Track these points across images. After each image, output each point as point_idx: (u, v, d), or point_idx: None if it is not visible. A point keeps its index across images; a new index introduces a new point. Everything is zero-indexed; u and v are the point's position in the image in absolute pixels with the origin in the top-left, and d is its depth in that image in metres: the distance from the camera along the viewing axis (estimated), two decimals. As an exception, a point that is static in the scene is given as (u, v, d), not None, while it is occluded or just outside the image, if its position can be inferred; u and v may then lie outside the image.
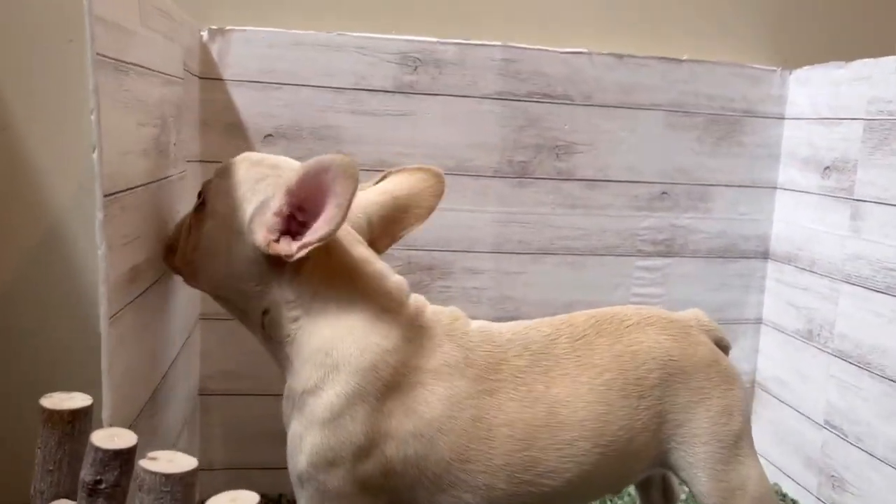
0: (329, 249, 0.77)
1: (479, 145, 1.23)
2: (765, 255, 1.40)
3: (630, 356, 0.83)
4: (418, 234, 1.23)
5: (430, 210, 0.88)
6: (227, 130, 1.15)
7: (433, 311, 0.82)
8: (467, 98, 1.21)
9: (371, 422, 0.74)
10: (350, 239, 0.81)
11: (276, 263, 0.77)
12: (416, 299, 0.82)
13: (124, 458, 0.64)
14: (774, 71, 1.34)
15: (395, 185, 0.88)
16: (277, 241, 0.75)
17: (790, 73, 1.34)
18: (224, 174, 0.81)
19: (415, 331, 0.79)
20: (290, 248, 0.74)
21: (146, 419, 0.80)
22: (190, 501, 0.61)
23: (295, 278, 0.77)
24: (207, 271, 0.82)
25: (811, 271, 1.28)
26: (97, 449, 0.63)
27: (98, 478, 0.64)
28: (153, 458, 0.62)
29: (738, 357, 1.41)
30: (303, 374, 0.77)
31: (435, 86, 1.20)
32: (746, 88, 1.33)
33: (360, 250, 0.81)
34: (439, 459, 0.76)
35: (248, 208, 0.78)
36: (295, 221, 0.76)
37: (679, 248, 1.35)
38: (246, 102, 1.15)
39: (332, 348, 0.76)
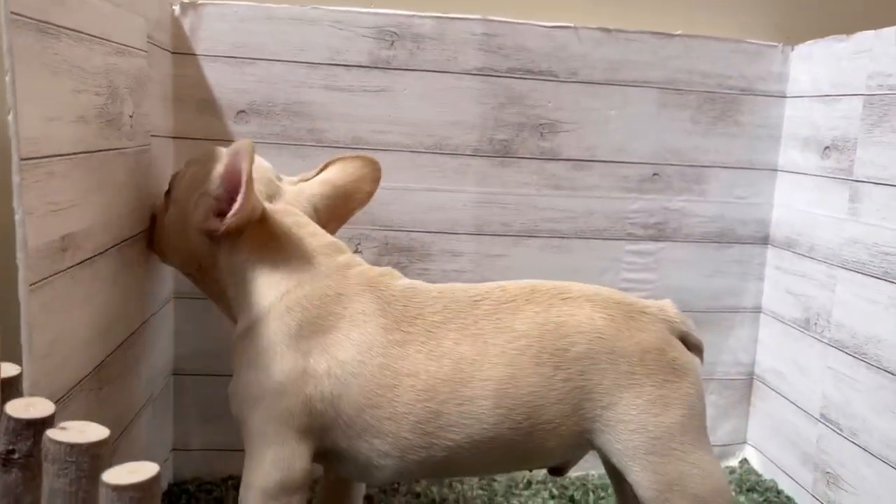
0: (262, 222, 0.86)
1: (459, 123, 1.19)
2: (764, 241, 1.33)
3: (554, 326, 0.82)
4: (396, 214, 1.20)
5: (371, 194, 0.98)
6: (199, 106, 1.13)
7: (363, 268, 0.88)
8: (446, 74, 1.18)
9: (289, 360, 0.81)
10: (284, 211, 0.89)
11: (216, 240, 0.87)
12: (349, 258, 0.88)
13: (38, 429, 0.62)
14: (776, 47, 1.27)
15: (335, 175, 0.97)
16: (210, 217, 0.86)
17: (792, 49, 1.27)
18: (188, 166, 0.93)
19: (336, 281, 0.85)
20: (218, 224, 0.84)
21: (87, 393, 0.79)
22: (97, 473, 0.59)
23: (233, 250, 0.87)
24: (172, 250, 0.94)
25: (810, 257, 1.22)
26: (9, 418, 0.61)
27: (11, 447, 0.62)
28: (63, 429, 0.60)
29: (735, 348, 1.35)
30: (238, 326, 0.87)
31: (412, 61, 1.17)
32: (745, 65, 1.26)
33: (293, 220, 0.88)
34: (352, 402, 0.80)
35: (195, 196, 0.89)
36: (229, 203, 0.84)
37: (672, 233, 1.30)
38: (219, 78, 1.13)
39: (258, 299, 0.84)
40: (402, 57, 1.16)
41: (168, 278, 1.14)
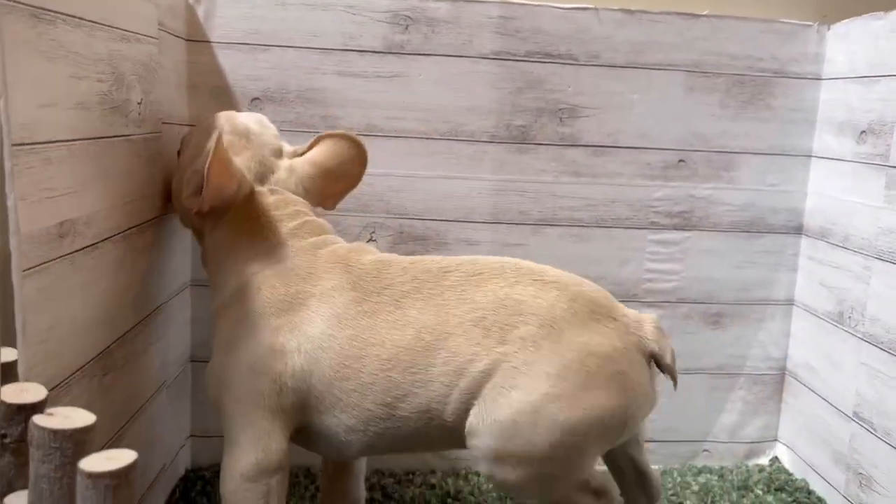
0: (246, 203, 0.89)
1: (475, 109, 1.16)
2: (797, 230, 1.27)
3: (512, 303, 0.81)
4: (410, 202, 1.19)
5: (359, 178, 0.98)
6: (214, 94, 1.13)
7: (335, 246, 0.88)
8: (462, 58, 1.15)
9: (258, 339, 0.82)
10: (270, 192, 0.90)
11: (201, 216, 0.89)
12: (322, 239, 0.89)
13: (28, 414, 0.62)
14: (810, 26, 1.21)
15: (322, 155, 0.96)
16: (191, 196, 0.87)
17: (828, 29, 1.21)
18: (196, 129, 0.95)
19: (304, 260, 0.86)
20: (194, 203, 0.86)
21: (90, 379, 0.79)
22: (82, 458, 0.59)
23: (215, 227, 0.90)
24: (179, 212, 0.97)
25: (844, 248, 1.16)
26: (2, 403, 0.62)
27: (3, 432, 0.62)
28: (50, 415, 0.60)
29: (765, 342, 1.30)
30: (212, 305, 0.90)
31: (427, 45, 1.14)
32: (777, 46, 1.21)
33: (275, 200, 0.90)
34: (322, 377, 0.81)
35: (190, 170, 0.89)
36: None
37: (698, 221, 1.25)
38: (233, 65, 1.13)
39: (230, 279, 0.87)
40: (416, 41, 1.14)
41: (184, 265, 1.14)
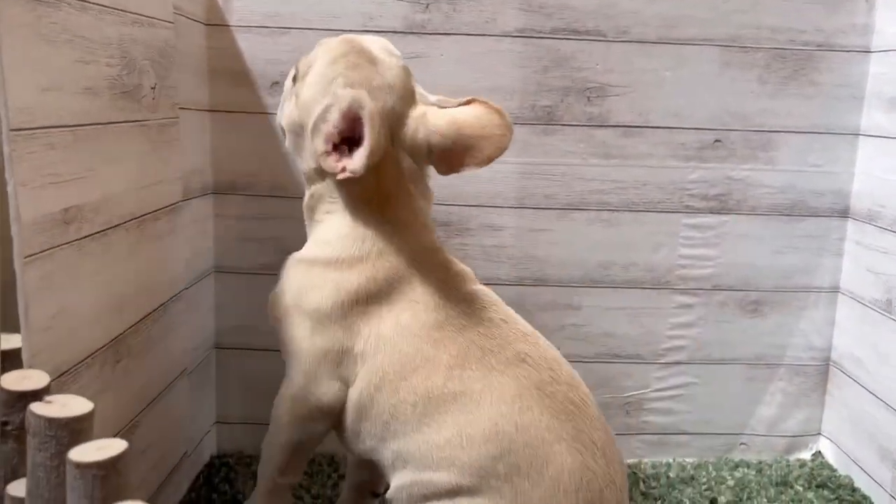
0: (376, 172, 0.80)
1: (498, 89, 1.12)
2: (843, 213, 1.20)
3: (533, 450, 0.75)
4: (432, 186, 1.15)
5: (489, 160, 0.82)
6: (234, 78, 1.12)
7: (445, 259, 0.85)
8: (485, 37, 1.11)
9: (341, 309, 0.81)
10: (399, 171, 0.84)
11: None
12: (433, 241, 0.86)
13: (30, 401, 0.61)
14: (858, -5, 1.13)
15: (467, 120, 0.81)
16: (329, 153, 0.80)
17: (878, -3, 1.13)
18: (313, 58, 0.85)
19: (417, 265, 0.82)
20: (335, 167, 0.79)
21: (101, 366, 0.79)
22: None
23: (342, 183, 0.83)
24: (289, 137, 0.89)
25: (893, 231, 1.09)
26: (3, 390, 0.62)
27: (5, 419, 0.62)
28: (48, 402, 0.60)
29: (808, 331, 1.23)
30: (306, 249, 0.87)
31: (448, 24, 1.11)
32: (822, 18, 1.13)
33: (403, 185, 0.85)
34: (369, 374, 0.80)
35: (316, 109, 0.81)
36: (347, 138, 0.79)
37: (735, 205, 1.19)
38: (252, 49, 1.11)
39: (340, 246, 0.83)
40: (437, 20, 1.10)
41: (207, 252, 1.14)
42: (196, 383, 1.11)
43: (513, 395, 0.75)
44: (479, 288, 0.85)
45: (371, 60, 0.82)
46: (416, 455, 0.77)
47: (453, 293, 0.82)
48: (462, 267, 0.86)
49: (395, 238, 0.83)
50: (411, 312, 0.80)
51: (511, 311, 0.85)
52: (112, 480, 0.52)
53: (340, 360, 0.82)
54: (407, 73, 0.84)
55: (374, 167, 0.78)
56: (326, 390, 0.83)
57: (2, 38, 0.61)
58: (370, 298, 0.81)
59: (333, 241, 0.84)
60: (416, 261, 0.83)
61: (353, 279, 0.81)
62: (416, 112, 0.82)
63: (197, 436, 1.13)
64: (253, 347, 1.19)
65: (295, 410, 0.84)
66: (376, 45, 0.84)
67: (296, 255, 0.88)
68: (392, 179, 0.84)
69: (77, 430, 0.58)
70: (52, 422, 0.57)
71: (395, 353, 0.79)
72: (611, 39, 1.12)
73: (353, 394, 0.82)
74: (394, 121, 0.81)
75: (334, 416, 0.84)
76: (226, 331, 1.19)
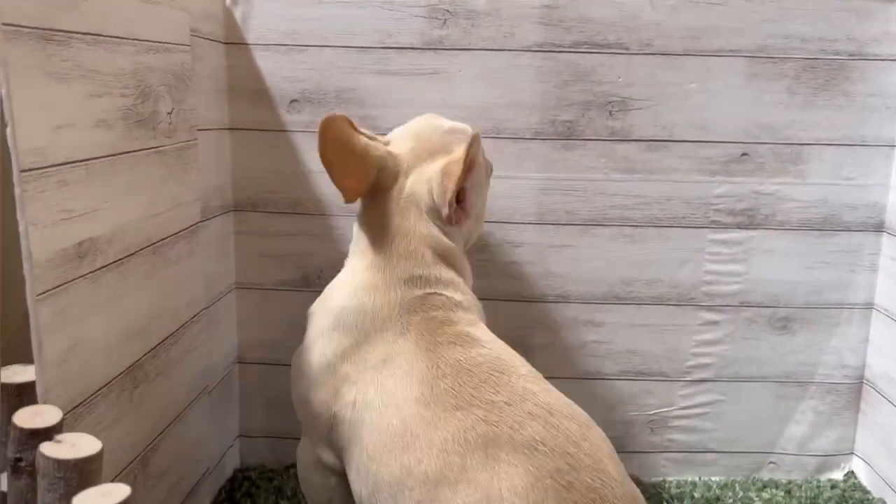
0: (373, 197, 0.87)
1: (518, 104, 1.11)
2: (878, 228, 1.16)
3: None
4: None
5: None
6: (253, 97, 1.12)
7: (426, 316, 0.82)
8: (503, 52, 1.10)
9: (341, 350, 0.82)
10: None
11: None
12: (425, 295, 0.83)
13: (41, 438, 0.63)
14: (892, 2, 1.09)
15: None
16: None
17: (915, 3, 1.08)
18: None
19: (398, 321, 0.81)
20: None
21: (118, 394, 0.80)
22: (86, 489, 0.59)
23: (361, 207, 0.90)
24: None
25: (929, 249, 1.05)
26: (15, 427, 0.63)
27: (18, 455, 0.63)
28: (59, 441, 0.61)
29: (841, 348, 1.20)
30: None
31: (467, 40, 1.09)
32: (853, 26, 1.09)
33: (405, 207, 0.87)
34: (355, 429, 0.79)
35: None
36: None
37: (764, 220, 1.15)
38: (271, 67, 1.11)
39: (342, 273, 0.88)
40: (455, 36, 1.09)
41: (228, 268, 1.15)
42: (218, 398, 1.12)
43: (525, 487, 0.66)
44: (487, 352, 0.78)
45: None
46: None
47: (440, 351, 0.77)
48: (466, 332, 0.80)
49: (385, 288, 0.84)
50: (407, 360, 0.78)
51: (517, 378, 0.75)
52: (115, 527, 0.52)
53: (334, 415, 0.83)
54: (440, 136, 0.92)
55: (370, 197, 0.89)
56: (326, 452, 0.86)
57: (10, 80, 0.62)
58: (362, 339, 0.83)
59: (344, 266, 0.91)
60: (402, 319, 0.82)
61: (348, 320, 0.84)
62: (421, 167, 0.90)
63: (219, 450, 1.14)
64: (275, 362, 1.20)
65: (310, 466, 0.88)
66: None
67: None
68: (384, 210, 0.88)
69: (85, 471, 0.59)
70: (60, 463, 0.58)
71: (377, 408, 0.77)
72: (633, 52, 1.09)
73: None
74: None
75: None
76: (248, 346, 1.20)
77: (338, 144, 0.83)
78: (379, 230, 0.85)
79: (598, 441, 0.70)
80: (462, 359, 0.75)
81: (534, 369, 0.79)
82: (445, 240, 0.86)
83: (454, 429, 0.70)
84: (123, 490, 0.53)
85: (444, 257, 0.86)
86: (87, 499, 0.53)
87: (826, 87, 1.11)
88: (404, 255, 0.84)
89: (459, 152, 0.82)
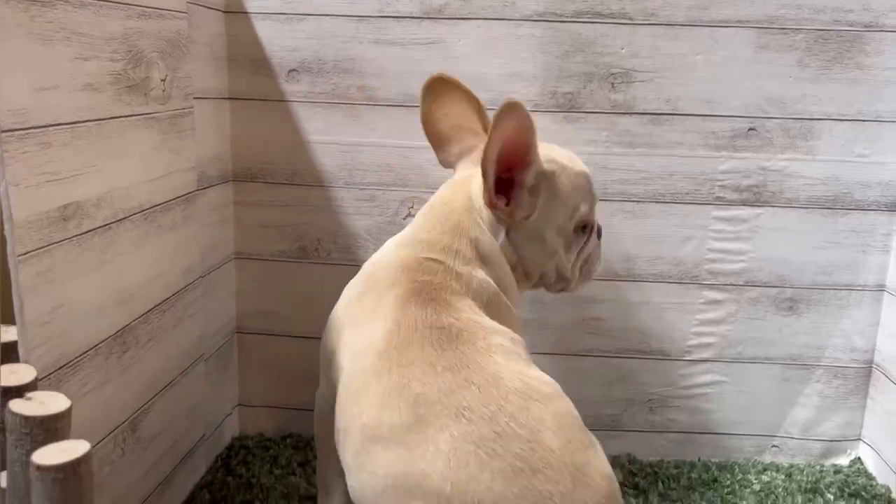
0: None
1: (518, 75, 1.09)
2: (892, 207, 1.12)
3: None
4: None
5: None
6: (252, 66, 1.12)
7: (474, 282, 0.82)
8: (503, 21, 1.07)
9: (355, 294, 0.84)
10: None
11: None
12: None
13: (13, 396, 0.63)
14: (914, -30, 1.04)
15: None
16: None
17: (936, -28, 1.04)
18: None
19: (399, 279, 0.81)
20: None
21: (106, 357, 0.81)
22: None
23: None
24: None
25: (942, 229, 1.01)
26: (-10, 384, 0.64)
27: (-7, 412, 0.64)
28: (28, 399, 0.61)
29: (849, 331, 1.16)
30: None
31: (466, 8, 1.07)
32: (871, -5, 1.05)
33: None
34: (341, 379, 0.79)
35: None
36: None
37: (771, 197, 1.12)
38: (270, 36, 1.11)
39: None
40: (454, 5, 1.07)
41: (227, 239, 1.15)
42: (216, 366, 1.13)
43: (447, 451, 0.64)
44: (453, 321, 0.75)
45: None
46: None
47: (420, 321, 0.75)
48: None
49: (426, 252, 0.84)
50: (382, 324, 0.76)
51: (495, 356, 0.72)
52: (71, 483, 0.53)
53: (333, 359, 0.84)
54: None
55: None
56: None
57: (-9, 39, 0.62)
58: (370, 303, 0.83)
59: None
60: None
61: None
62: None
63: (217, 419, 1.16)
64: (274, 332, 1.21)
65: (321, 408, 0.88)
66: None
67: None
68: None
69: (52, 428, 0.60)
70: (28, 419, 0.58)
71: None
72: (637, 22, 1.06)
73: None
74: None
75: None
76: (247, 316, 1.21)
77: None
78: (440, 203, 0.88)
79: (541, 414, 0.67)
80: (421, 319, 0.74)
81: (513, 349, 0.74)
82: (486, 234, 0.84)
83: (392, 385, 0.70)
84: (83, 446, 0.54)
85: (478, 248, 0.84)
86: (46, 454, 0.53)
87: (839, 60, 1.07)
88: (439, 225, 0.84)
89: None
